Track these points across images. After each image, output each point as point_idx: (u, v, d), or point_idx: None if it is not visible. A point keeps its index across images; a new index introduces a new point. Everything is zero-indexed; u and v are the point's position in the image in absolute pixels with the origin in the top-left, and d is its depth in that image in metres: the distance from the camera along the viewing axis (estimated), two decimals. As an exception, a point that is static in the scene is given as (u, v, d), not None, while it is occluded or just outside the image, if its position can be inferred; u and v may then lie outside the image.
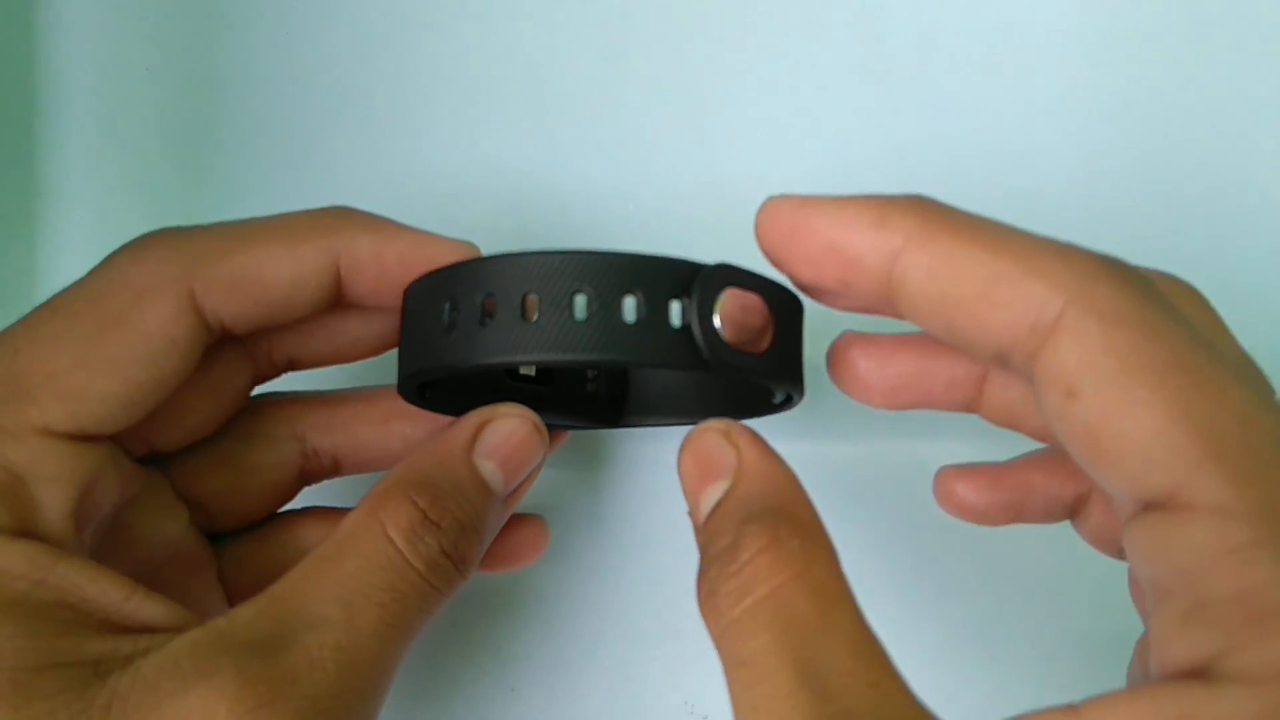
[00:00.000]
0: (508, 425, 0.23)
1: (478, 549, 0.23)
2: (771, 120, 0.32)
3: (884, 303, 0.20)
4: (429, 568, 0.21)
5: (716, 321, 0.20)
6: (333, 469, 0.27)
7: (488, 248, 0.23)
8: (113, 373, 0.20)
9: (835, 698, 0.17)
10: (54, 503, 0.20)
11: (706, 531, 0.21)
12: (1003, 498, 0.24)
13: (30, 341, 0.20)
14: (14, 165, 0.33)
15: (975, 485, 0.24)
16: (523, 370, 0.26)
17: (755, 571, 0.19)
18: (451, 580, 0.22)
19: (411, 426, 0.26)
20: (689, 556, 0.31)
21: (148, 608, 0.20)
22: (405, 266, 0.23)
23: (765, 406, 0.24)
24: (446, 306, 0.21)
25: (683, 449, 0.22)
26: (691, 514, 0.22)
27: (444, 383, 0.24)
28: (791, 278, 0.21)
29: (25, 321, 0.21)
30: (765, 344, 0.21)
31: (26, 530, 0.19)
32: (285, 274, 0.22)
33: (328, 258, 0.22)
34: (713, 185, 0.32)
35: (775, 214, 0.20)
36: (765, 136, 0.32)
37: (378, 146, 0.33)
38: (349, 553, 0.21)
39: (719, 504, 0.21)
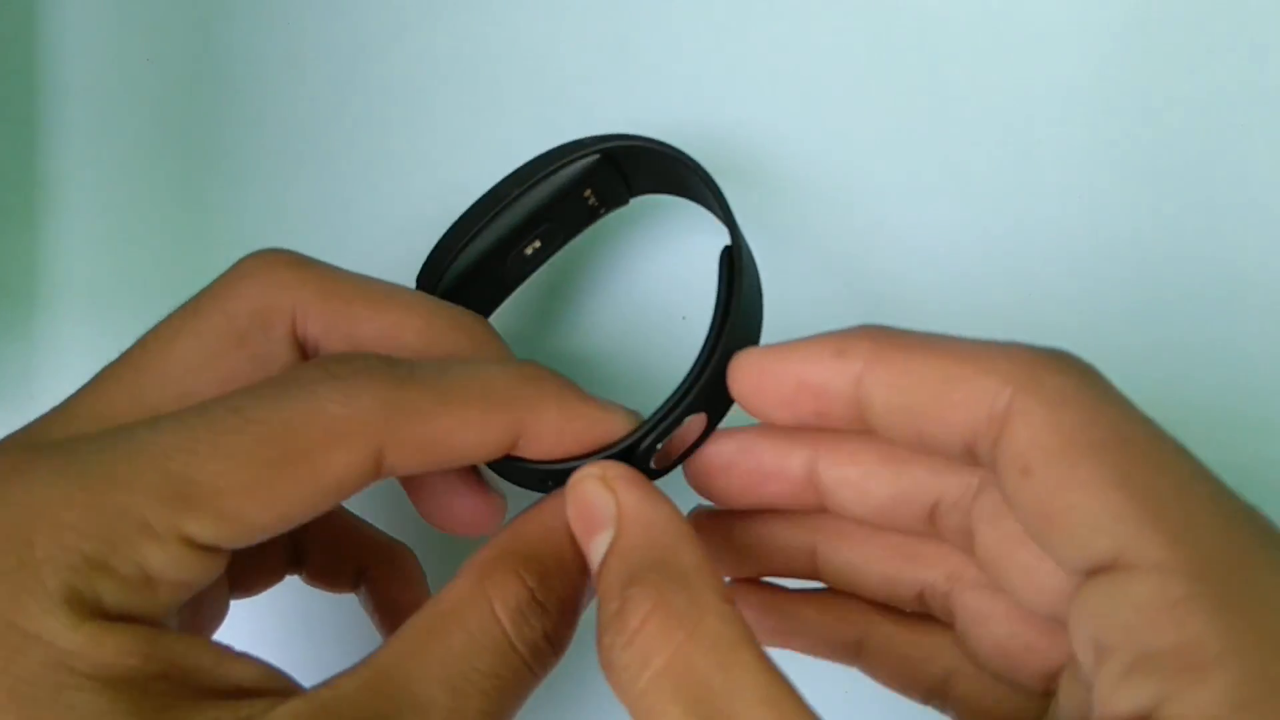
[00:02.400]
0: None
1: (572, 633, 0.22)
2: (774, 113, 0.32)
3: (858, 423, 0.21)
4: (532, 653, 0.20)
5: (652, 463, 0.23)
6: None
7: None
8: (274, 507, 0.20)
9: None
10: (169, 600, 0.20)
11: (599, 591, 0.21)
12: (771, 623, 0.24)
13: (212, 446, 0.19)
14: (15, 157, 0.33)
15: (747, 604, 0.24)
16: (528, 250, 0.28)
17: (648, 639, 0.19)
18: (548, 667, 0.21)
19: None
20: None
21: (237, 670, 0.20)
22: (578, 443, 0.22)
23: None
24: None
25: (566, 496, 0.22)
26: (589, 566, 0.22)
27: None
28: (773, 421, 0.22)
29: (210, 418, 0.20)
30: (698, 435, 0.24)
31: (136, 618, 0.19)
32: (472, 441, 0.21)
33: (514, 430, 0.22)
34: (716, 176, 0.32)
35: (743, 368, 0.22)
36: (767, 129, 0.32)
37: (381, 137, 0.33)
38: (455, 629, 0.20)
39: (604, 560, 0.21)
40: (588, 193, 0.27)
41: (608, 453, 0.23)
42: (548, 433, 0.22)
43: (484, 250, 0.27)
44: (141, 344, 0.23)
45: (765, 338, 0.23)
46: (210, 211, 0.33)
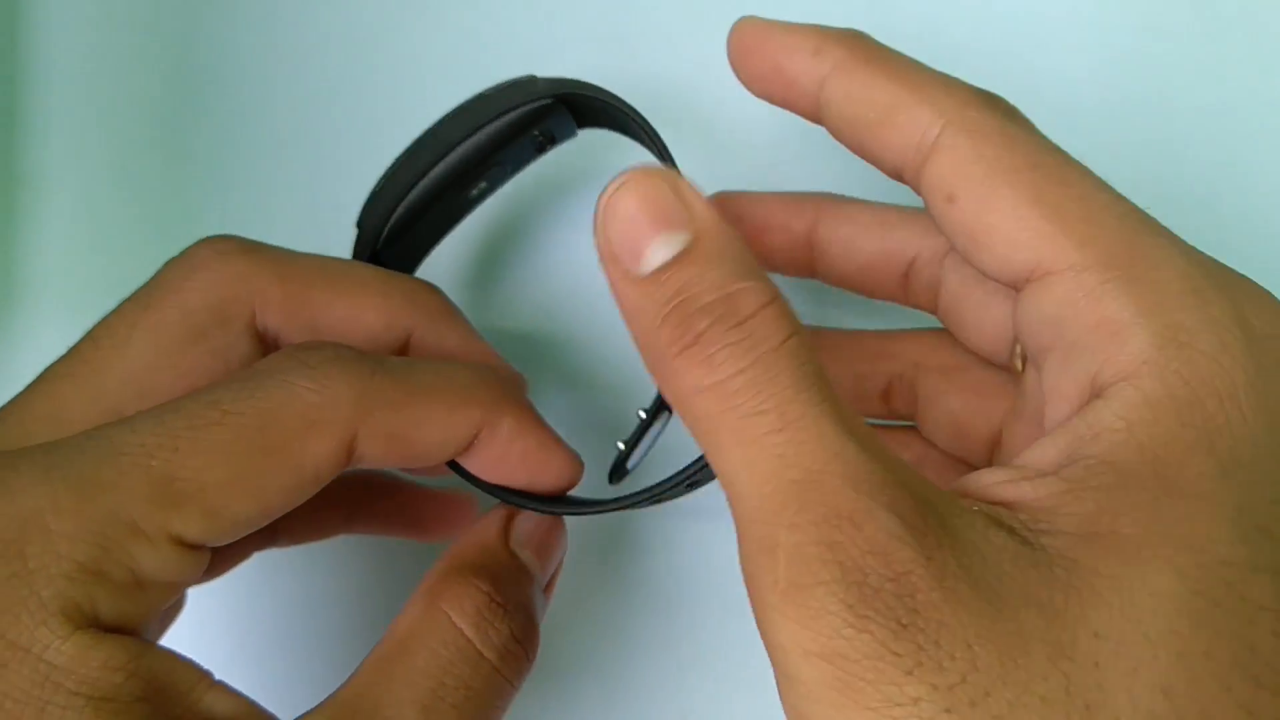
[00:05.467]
0: (535, 515, 0.24)
1: (538, 636, 0.22)
2: (771, 114, 0.32)
3: (816, 114, 0.24)
4: (501, 658, 0.21)
5: None
6: None
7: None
8: (257, 498, 0.20)
9: (853, 444, 0.18)
10: (158, 603, 0.20)
11: (672, 283, 0.19)
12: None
13: (192, 443, 0.19)
14: (-5, 154, 0.33)
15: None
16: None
17: (762, 326, 0.19)
18: (521, 671, 0.21)
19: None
20: (685, 563, 0.31)
21: (211, 698, 0.19)
22: (522, 464, 0.23)
23: None
24: None
25: (618, 191, 0.20)
26: (624, 264, 0.20)
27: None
28: (749, 89, 0.25)
29: (188, 414, 0.20)
30: None
31: (125, 626, 0.19)
32: (437, 436, 0.22)
33: (475, 428, 0.22)
34: (709, 184, 0.32)
35: (741, 33, 0.24)
36: (768, 129, 0.32)
37: (369, 136, 0.32)
38: (416, 648, 0.20)
39: (683, 255, 0.19)
40: (536, 131, 0.27)
41: (573, 512, 0.24)
42: (499, 440, 0.23)
43: (427, 192, 0.27)
44: (93, 340, 0.23)
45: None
46: (194, 212, 0.33)
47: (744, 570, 0.19)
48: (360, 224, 0.26)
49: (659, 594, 0.30)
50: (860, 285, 0.26)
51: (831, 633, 0.17)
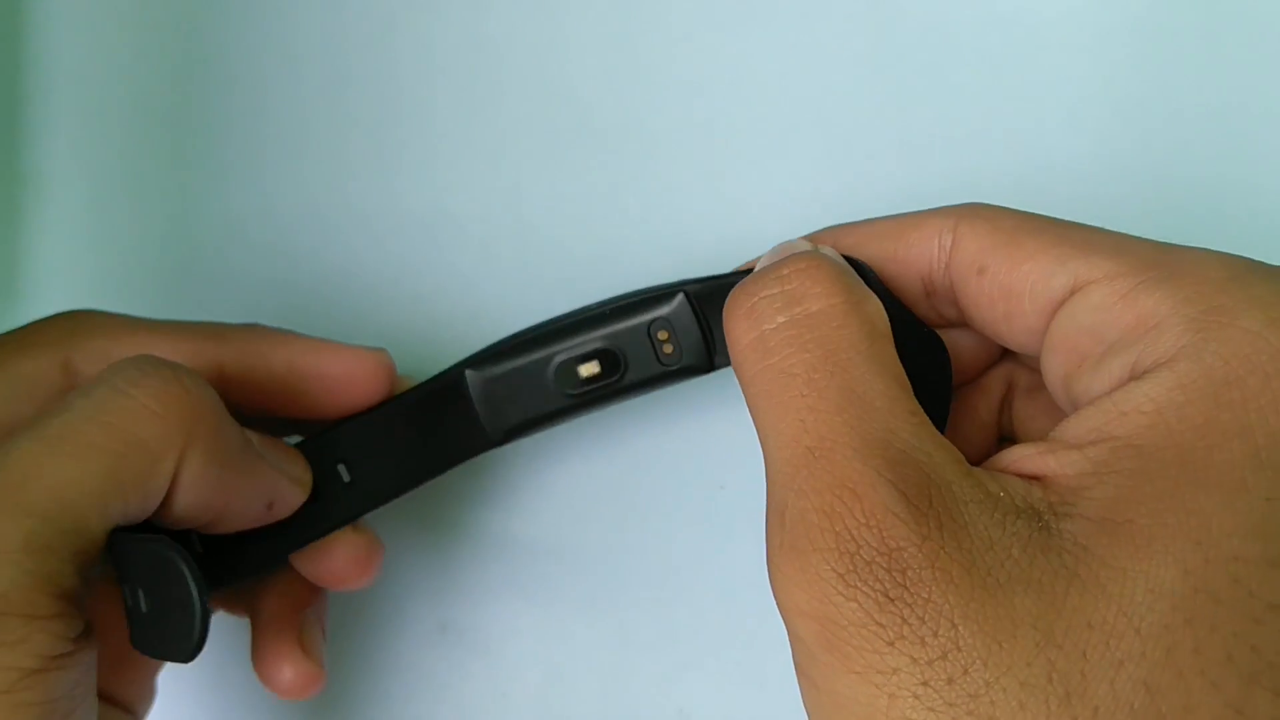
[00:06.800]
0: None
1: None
2: (775, 116, 0.32)
3: None
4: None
5: None
6: None
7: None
8: None
9: (875, 417, 0.19)
10: None
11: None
12: None
13: None
14: (-1, 150, 0.33)
15: None
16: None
17: (805, 286, 0.21)
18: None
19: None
20: (684, 561, 0.31)
21: None
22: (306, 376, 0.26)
23: None
24: None
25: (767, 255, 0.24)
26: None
27: None
28: None
29: None
30: None
31: None
32: (165, 350, 0.24)
33: (213, 352, 0.25)
34: (712, 187, 0.32)
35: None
36: (767, 134, 0.32)
37: (373, 133, 0.33)
38: None
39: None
40: (664, 334, 0.25)
41: None
42: (259, 362, 0.25)
43: (533, 358, 0.26)
44: None
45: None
46: (196, 207, 0.33)
47: (766, 530, 0.20)
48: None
49: (658, 591, 0.30)
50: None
51: (822, 597, 0.18)
